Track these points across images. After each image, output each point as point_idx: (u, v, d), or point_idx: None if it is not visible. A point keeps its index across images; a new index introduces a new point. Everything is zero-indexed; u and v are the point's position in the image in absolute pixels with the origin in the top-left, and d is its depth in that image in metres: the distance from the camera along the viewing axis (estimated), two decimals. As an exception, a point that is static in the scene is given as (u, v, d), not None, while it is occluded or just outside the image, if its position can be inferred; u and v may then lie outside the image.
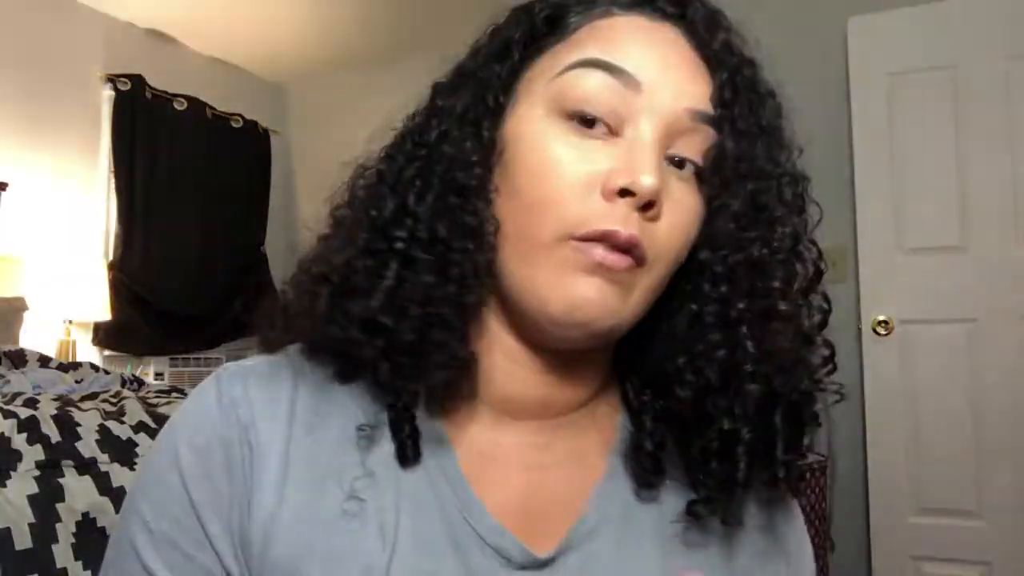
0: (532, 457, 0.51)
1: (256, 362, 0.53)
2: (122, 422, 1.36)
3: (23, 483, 1.14)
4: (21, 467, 1.16)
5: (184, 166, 3.58)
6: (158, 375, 3.51)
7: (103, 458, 1.25)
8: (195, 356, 3.68)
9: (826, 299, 0.52)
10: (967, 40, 2.52)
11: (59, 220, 3.10)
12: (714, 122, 0.49)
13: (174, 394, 1.88)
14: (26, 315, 2.82)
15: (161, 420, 1.42)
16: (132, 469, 1.28)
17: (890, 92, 2.60)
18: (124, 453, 1.29)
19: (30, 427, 1.21)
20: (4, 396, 1.57)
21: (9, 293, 2.81)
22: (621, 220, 0.45)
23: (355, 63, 4.03)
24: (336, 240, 0.54)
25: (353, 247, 0.50)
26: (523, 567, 0.47)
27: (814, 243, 0.52)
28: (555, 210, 0.46)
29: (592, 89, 0.47)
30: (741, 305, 0.48)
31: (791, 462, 0.50)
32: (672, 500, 0.52)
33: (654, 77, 0.47)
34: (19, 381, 1.95)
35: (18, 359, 2.36)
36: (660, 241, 0.47)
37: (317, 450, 0.48)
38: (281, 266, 4.19)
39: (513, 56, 0.51)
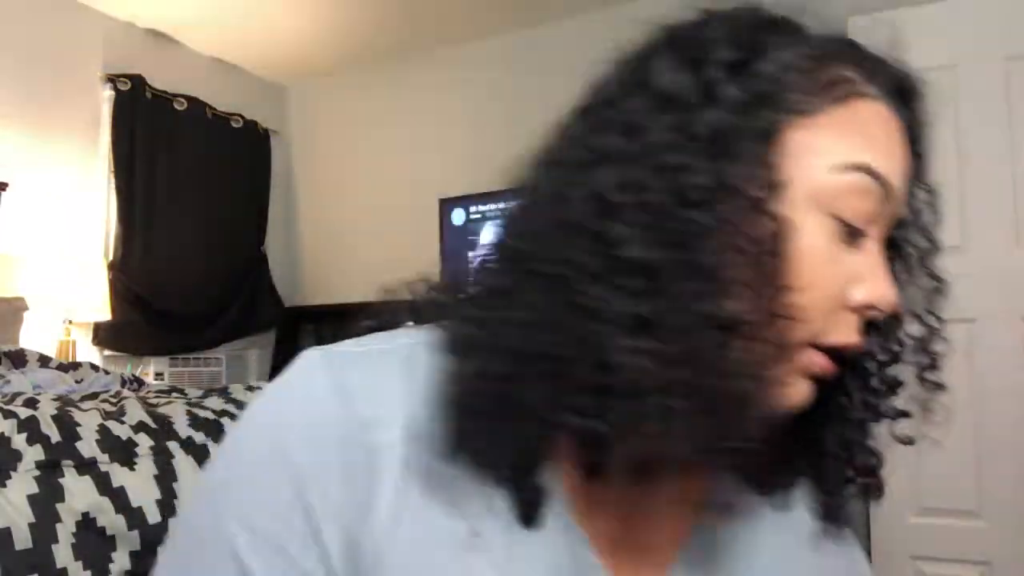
0: (643, 501, 0.51)
1: (367, 348, 0.49)
2: (122, 422, 1.36)
3: (23, 483, 1.14)
4: (21, 467, 1.16)
5: (184, 166, 3.58)
6: (158, 375, 3.51)
7: (103, 458, 1.25)
8: (195, 356, 3.69)
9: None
10: (967, 40, 2.52)
11: (59, 220, 3.10)
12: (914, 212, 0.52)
13: (174, 394, 1.88)
14: (26, 315, 2.83)
15: (161, 420, 1.42)
16: (132, 469, 1.27)
17: (890, 92, 2.60)
18: (124, 453, 1.29)
19: (30, 427, 1.21)
20: (4, 396, 1.57)
21: (9, 293, 2.81)
22: (858, 331, 0.46)
23: (355, 63, 4.04)
24: (532, 294, 0.44)
25: (570, 317, 0.42)
26: None
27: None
28: (808, 316, 0.43)
29: (863, 200, 0.45)
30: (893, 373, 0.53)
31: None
32: (794, 516, 0.56)
33: (898, 186, 0.47)
34: (19, 381, 1.95)
35: (18, 359, 2.36)
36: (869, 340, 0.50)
37: (439, 472, 0.45)
38: (281, 267, 4.20)
39: (781, 113, 0.44)
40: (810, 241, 0.43)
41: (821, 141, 0.45)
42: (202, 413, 1.50)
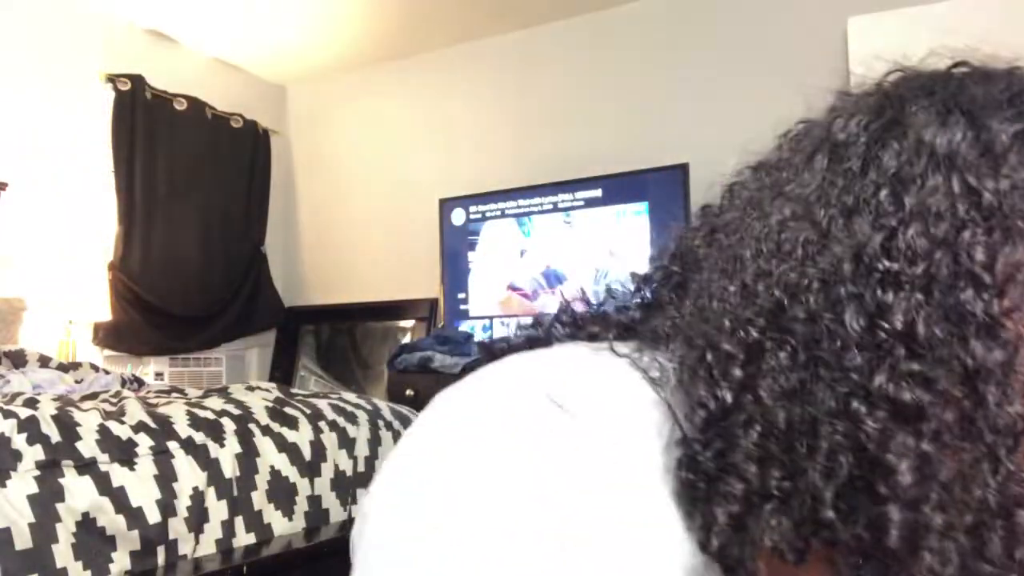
0: None
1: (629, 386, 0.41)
2: (122, 422, 1.36)
3: (23, 483, 1.14)
4: (21, 467, 1.16)
5: (184, 166, 3.58)
6: (158, 375, 3.51)
7: (103, 458, 1.25)
8: (195, 356, 3.69)
9: None
10: (967, 41, 2.51)
11: (59, 220, 3.10)
12: None
13: (174, 394, 1.88)
14: (26, 315, 2.83)
15: (160, 420, 1.42)
16: (132, 469, 1.28)
17: (890, 92, 2.60)
18: (124, 453, 1.29)
19: (30, 427, 1.21)
20: (4, 396, 1.57)
21: (9, 293, 2.81)
22: None
23: (355, 64, 4.04)
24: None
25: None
26: None
27: None
28: None
29: None
30: None
31: None
32: None
33: None
34: (19, 381, 1.95)
35: (18, 359, 2.36)
36: None
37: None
38: (281, 267, 4.20)
39: None
40: None
41: None
42: (202, 413, 1.50)
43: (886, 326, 0.36)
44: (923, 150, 0.39)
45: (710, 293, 0.43)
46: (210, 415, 1.50)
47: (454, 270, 3.52)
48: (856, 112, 0.44)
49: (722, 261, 0.44)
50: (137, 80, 3.37)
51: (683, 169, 2.99)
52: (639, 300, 0.51)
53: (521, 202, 3.38)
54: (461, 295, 3.49)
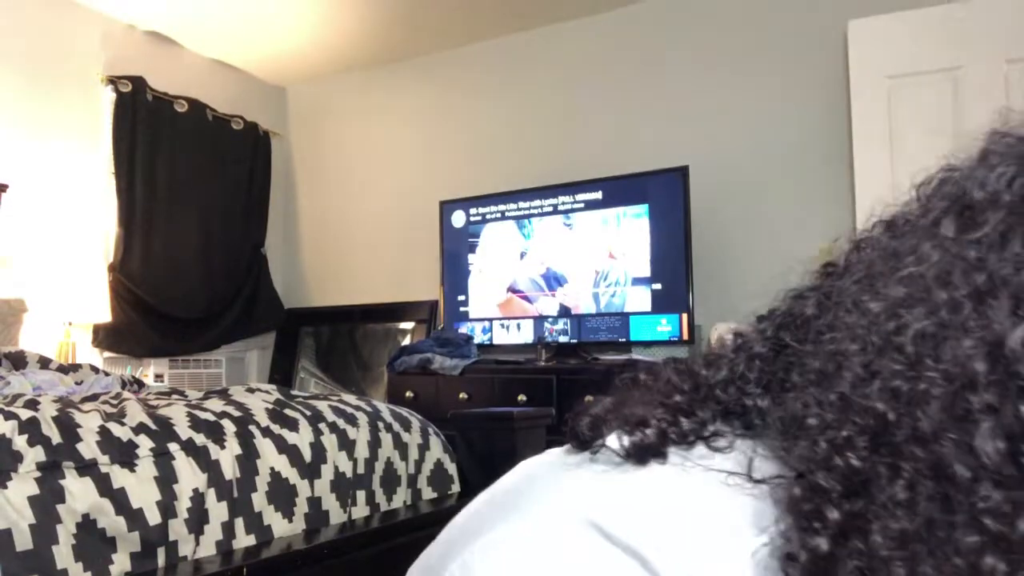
0: None
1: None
2: (123, 424, 1.36)
3: (24, 484, 1.14)
4: (22, 468, 1.16)
5: (185, 168, 3.59)
6: (158, 377, 3.51)
7: (104, 459, 1.25)
8: (195, 358, 3.69)
9: None
10: (967, 43, 2.52)
11: (59, 221, 3.10)
12: None
13: (174, 395, 1.88)
14: (26, 316, 2.83)
15: (161, 422, 1.42)
16: (132, 471, 1.28)
17: (890, 95, 2.61)
18: (125, 455, 1.29)
19: (31, 428, 1.21)
20: (5, 397, 1.57)
21: (9, 294, 2.81)
22: None
23: (355, 66, 4.04)
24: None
25: None
26: None
27: None
28: None
29: None
30: None
31: None
32: None
33: None
34: (19, 383, 1.95)
35: (18, 361, 2.36)
36: None
37: None
38: (281, 269, 4.20)
39: None
40: None
41: None
42: (202, 415, 1.50)
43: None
44: None
45: (805, 401, 0.34)
46: (210, 417, 1.50)
47: (454, 272, 3.52)
48: (1003, 161, 0.34)
49: (823, 357, 0.35)
50: (138, 81, 3.38)
51: (683, 171, 2.99)
52: (753, 372, 0.40)
53: (521, 204, 3.38)
54: (461, 297, 3.49)
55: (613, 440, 0.36)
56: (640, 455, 0.35)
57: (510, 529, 0.33)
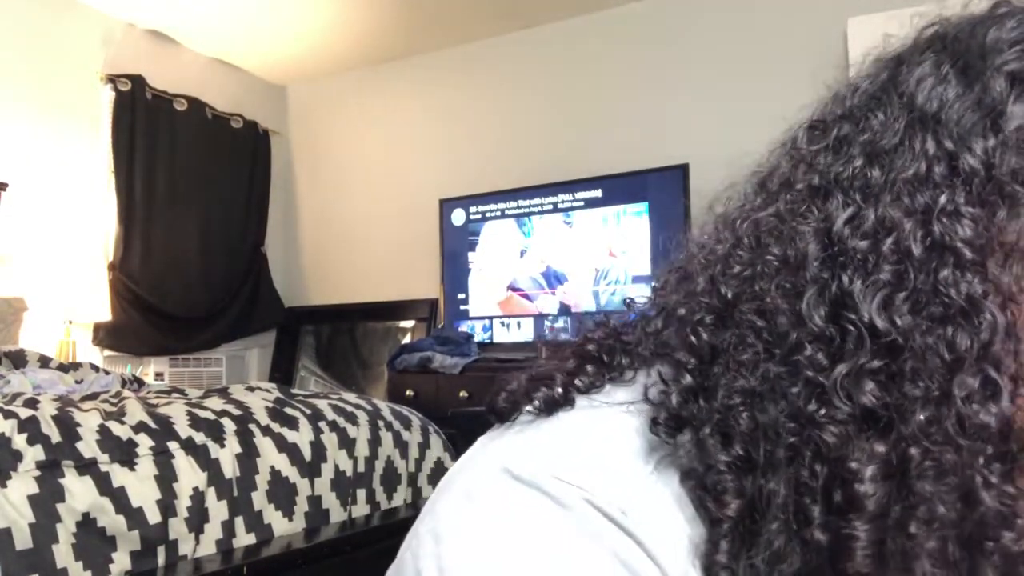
0: None
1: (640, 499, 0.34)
2: (122, 422, 1.36)
3: (23, 483, 1.14)
4: (21, 467, 1.16)
5: (184, 166, 3.58)
6: (158, 375, 3.51)
7: (103, 458, 1.25)
8: (195, 356, 3.69)
9: None
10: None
11: (59, 220, 3.10)
12: None
13: (174, 394, 1.88)
14: (26, 315, 2.83)
15: (161, 420, 1.42)
16: (132, 469, 1.28)
17: (890, 92, 2.60)
18: (124, 453, 1.29)
19: (30, 427, 1.21)
20: (4, 396, 1.57)
21: (9, 293, 2.81)
22: None
23: (355, 64, 4.04)
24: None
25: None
26: None
27: None
28: None
29: None
30: None
31: None
32: None
33: None
34: (19, 381, 1.95)
35: (18, 359, 2.36)
36: None
37: None
38: (281, 267, 4.20)
39: None
40: None
41: None
42: (202, 413, 1.50)
43: (851, 316, 0.32)
44: (904, 113, 0.35)
45: (677, 300, 0.40)
46: (210, 415, 1.50)
47: (454, 270, 3.52)
48: (855, 81, 0.40)
49: (695, 264, 0.40)
50: (137, 80, 3.37)
51: (683, 169, 2.99)
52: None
53: (521, 202, 3.38)
54: (461, 295, 3.49)
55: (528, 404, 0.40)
56: (549, 407, 0.38)
57: (445, 496, 0.36)
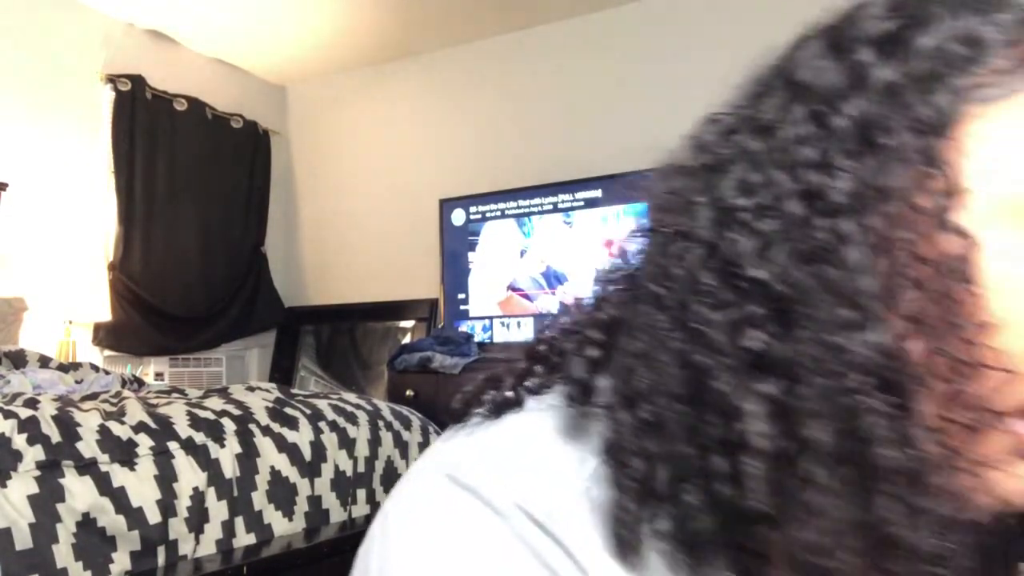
0: None
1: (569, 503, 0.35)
2: (122, 422, 1.36)
3: (23, 483, 1.14)
4: (21, 467, 1.16)
5: (184, 166, 3.58)
6: (158, 375, 3.51)
7: (103, 458, 1.25)
8: (195, 356, 3.69)
9: None
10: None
11: (59, 220, 3.10)
12: None
13: (174, 394, 1.88)
14: (26, 315, 2.83)
15: (161, 420, 1.42)
16: (132, 469, 1.28)
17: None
18: (124, 453, 1.29)
19: (30, 427, 1.21)
20: (4, 396, 1.57)
21: (9, 293, 2.81)
22: None
23: (355, 64, 4.04)
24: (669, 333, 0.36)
25: (805, 395, 0.32)
26: None
27: None
28: (1013, 368, 0.32)
29: None
30: None
31: None
32: None
33: None
34: (19, 381, 1.95)
35: (18, 359, 2.36)
36: None
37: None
38: (281, 267, 4.20)
39: (953, 98, 0.34)
40: (1003, 264, 0.32)
41: (1012, 132, 0.33)
42: (202, 413, 1.50)
43: (736, 271, 0.34)
44: (784, 89, 0.38)
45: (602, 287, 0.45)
46: (210, 415, 1.50)
47: (454, 270, 3.52)
48: (747, 81, 0.43)
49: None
50: (137, 80, 3.37)
51: (683, 169, 2.99)
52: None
53: (521, 202, 3.38)
54: (461, 295, 3.49)
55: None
56: (498, 410, 0.39)
57: (395, 498, 0.38)
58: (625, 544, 0.33)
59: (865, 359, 0.31)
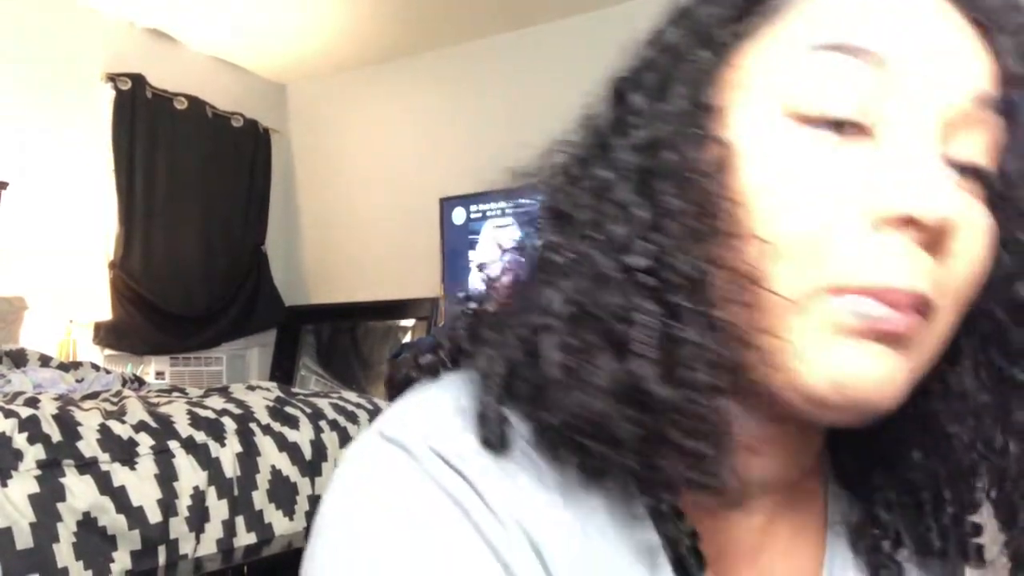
0: (758, 541, 0.42)
1: (472, 443, 0.37)
2: (123, 422, 1.36)
3: (24, 482, 1.14)
4: (22, 466, 1.16)
5: (184, 165, 3.58)
6: (159, 374, 3.51)
7: (104, 457, 1.25)
8: (196, 355, 3.69)
9: None
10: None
11: (60, 219, 3.09)
12: (1008, 109, 0.36)
13: (175, 393, 1.88)
14: (27, 315, 2.83)
15: (161, 419, 1.42)
16: (133, 469, 1.28)
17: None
18: (125, 453, 1.29)
19: (31, 426, 1.21)
20: (5, 395, 1.57)
21: (10, 293, 2.81)
22: (901, 265, 0.33)
23: (355, 63, 4.03)
24: (536, 276, 0.39)
25: (578, 279, 0.36)
26: None
27: None
28: (808, 252, 0.33)
29: (840, 85, 0.34)
30: None
31: None
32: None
33: (925, 59, 0.35)
34: (20, 381, 1.95)
35: (19, 358, 2.36)
36: (950, 281, 0.34)
37: (600, 559, 0.36)
38: (281, 266, 4.20)
39: (716, 40, 0.38)
40: (775, 155, 0.35)
41: (787, 40, 0.36)
42: (203, 412, 1.50)
43: (560, 209, 0.40)
44: (646, 49, 0.45)
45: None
46: (211, 414, 1.50)
47: (455, 269, 3.52)
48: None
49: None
50: (137, 79, 3.37)
51: (684, 168, 2.98)
52: None
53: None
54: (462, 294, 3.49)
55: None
56: (432, 372, 0.42)
57: (339, 463, 0.41)
58: (492, 445, 0.36)
59: (636, 260, 0.35)
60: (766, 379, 0.35)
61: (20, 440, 1.18)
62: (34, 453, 1.18)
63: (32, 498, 1.13)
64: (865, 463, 0.44)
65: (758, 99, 0.36)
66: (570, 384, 0.34)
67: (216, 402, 1.60)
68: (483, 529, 0.34)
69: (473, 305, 0.45)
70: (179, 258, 3.53)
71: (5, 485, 1.12)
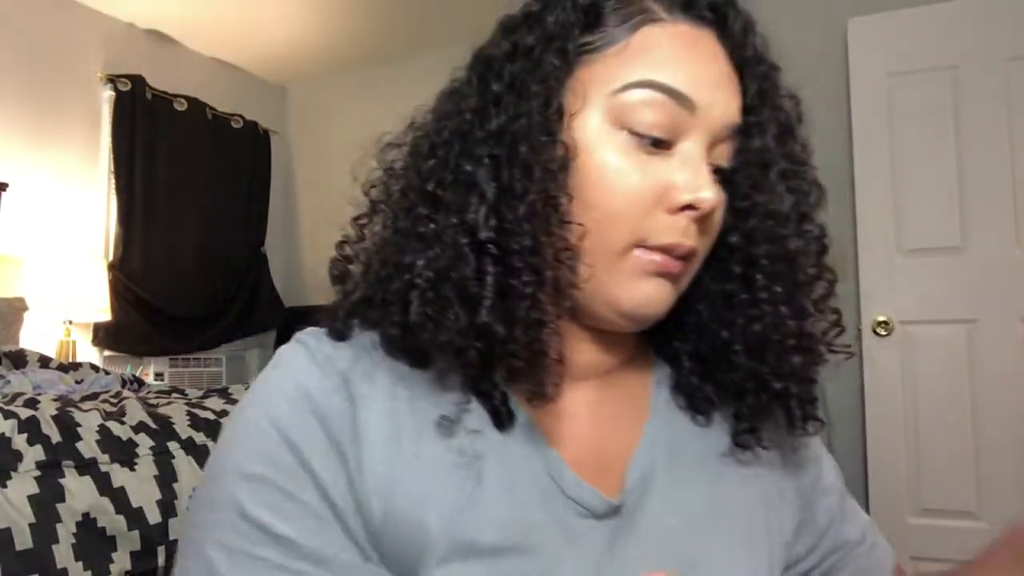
0: (593, 412, 0.56)
1: (328, 336, 0.58)
2: (122, 422, 1.36)
3: (24, 483, 1.14)
4: (22, 467, 1.16)
5: (184, 166, 3.58)
6: (158, 375, 3.51)
7: (103, 458, 1.25)
8: (195, 356, 3.69)
9: (832, 272, 0.58)
10: (967, 41, 2.52)
11: (59, 220, 3.10)
12: (743, 130, 0.54)
13: (174, 394, 1.88)
14: (26, 315, 2.83)
15: (161, 420, 1.42)
16: (132, 469, 1.28)
17: (890, 93, 2.61)
18: (124, 453, 1.29)
19: (31, 427, 1.21)
20: (4, 396, 1.57)
21: (9, 293, 2.81)
22: (682, 232, 0.51)
23: (355, 64, 4.04)
24: (402, 237, 0.52)
25: (439, 249, 0.49)
26: (601, 515, 0.52)
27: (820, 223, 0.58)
28: (626, 223, 0.50)
29: (652, 111, 0.50)
30: (778, 288, 0.55)
31: (808, 403, 0.58)
32: (716, 429, 0.59)
33: (705, 97, 0.51)
34: (19, 381, 1.95)
35: (18, 359, 2.36)
36: (705, 237, 0.53)
37: (418, 410, 0.50)
38: (281, 267, 4.20)
39: (568, 54, 0.51)
40: (605, 156, 0.50)
41: (616, 70, 0.51)
42: (202, 413, 1.50)
43: (425, 185, 0.52)
44: (474, 62, 0.55)
45: None
46: (210, 415, 1.50)
47: (454, 270, 3.51)
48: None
49: None
50: (137, 80, 3.37)
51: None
52: None
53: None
54: (461, 295, 3.49)
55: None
56: (340, 281, 0.64)
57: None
58: (337, 334, 0.57)
59: (564, 236, 0.48)
60: (591, 304, 0.52)
61: (20, 441, 1.18)
62: (33, 454, 1.18)
63: (31, 499, 1.13)
64: (675, 342, 0.61)
65: (595, 111, 0.50)
66: (427, 327, 0.49)
67: (215, 403, 1.60)
68: (312, 374, 0.53)
69: (347, 249, 0.62)
70: (179, 259, 3.53)
71: (4, 486, 1.12)
